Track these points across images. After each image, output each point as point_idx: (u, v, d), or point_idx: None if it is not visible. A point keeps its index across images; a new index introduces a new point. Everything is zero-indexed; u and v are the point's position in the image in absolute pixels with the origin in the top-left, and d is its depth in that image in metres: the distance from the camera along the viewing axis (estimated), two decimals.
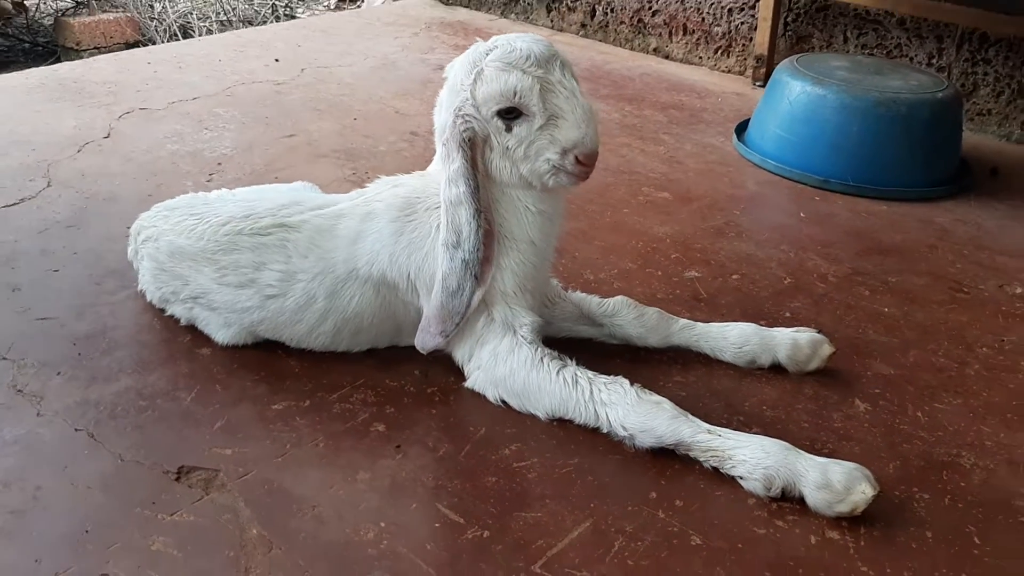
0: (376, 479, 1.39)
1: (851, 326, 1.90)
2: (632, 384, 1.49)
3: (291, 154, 2.48)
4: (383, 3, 7.18)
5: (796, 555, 1.32)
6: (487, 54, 1.50)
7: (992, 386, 1.75)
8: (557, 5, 3.84)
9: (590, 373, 1.52)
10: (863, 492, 1.36)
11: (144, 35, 6.47)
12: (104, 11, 7.21)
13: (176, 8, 8.02)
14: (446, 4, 4.13)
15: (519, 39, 1.50)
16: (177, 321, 1.70)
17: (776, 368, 1.72)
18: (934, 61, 3.07)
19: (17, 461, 1.37)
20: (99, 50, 5.43)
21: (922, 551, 1.34)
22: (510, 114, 1.47)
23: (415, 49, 3.44)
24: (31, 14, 7.12)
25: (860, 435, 1.58)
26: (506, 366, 1.55)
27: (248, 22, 6.66)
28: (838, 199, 2.50)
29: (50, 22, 6.91)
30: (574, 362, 1.54)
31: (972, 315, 1.99)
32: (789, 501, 1.40)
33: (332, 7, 7.71)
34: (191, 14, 7.73)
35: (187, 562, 1.23)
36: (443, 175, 1.53)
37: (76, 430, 1.44)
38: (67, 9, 7.30)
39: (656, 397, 1.48)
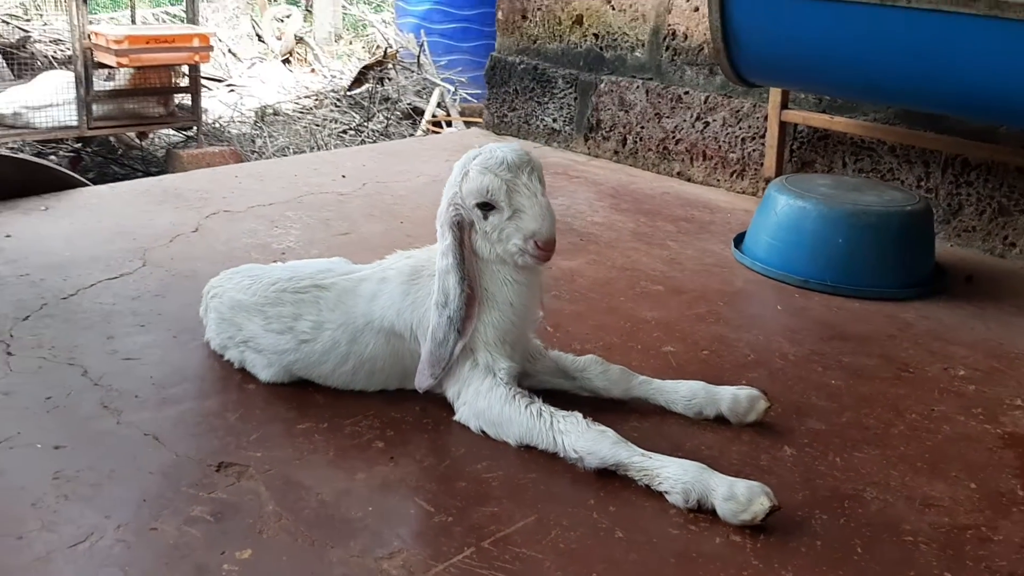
0: (370, 479, 1.76)
1: (797, 393, 2.22)
2: (584, 417, 1.85)
3: (343, 247, 2.94)
4: (454, 131, 7.85)
5: (700, 550, 1.62)
6: (474, 159, 1.93)
7: (911, 442, 2.03)
8: (593, 135, 4.33)
9: (552, 408, 1.88)
10: (762, 504, 1.67)
11: None
12: (211, 144, 8.07)
13: (275, 143, 8.88)
14: (498, 134, 4.67)
15: (499, 148, 1.93)
16: (232, 364, 2.12)
17: (721, 420, 2.04)
18: (923, 183, 3.41)
19: (96, 453, 1.79)
20: (177, 175, 6.14)
21: (809, 554, 1.63)
22: (486, 207, 1.89)
23: None
24: (146, 144, 8.02)
25: (780, 472, 1.88)
26: (485, 401, 1.92)
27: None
28: (815, 296, 2.83)
29: (162, 153, 7.77)
30: (540, 400, 1.90)
31: (911, 390, 2.28)
32: (705, 514, 1.71)
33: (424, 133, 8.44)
34: (288, 148, 8.56)
35: (216, 524, 1.60)
36: (438, 249, 1.96)
37: (145, 434, 1.85)
38: (178, 142, 8.19)
39: (602, 427, 1.83)
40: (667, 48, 4.03)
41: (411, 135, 8.93)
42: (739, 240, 3.22)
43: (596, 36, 4.28)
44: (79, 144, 7.53)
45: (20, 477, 1.71)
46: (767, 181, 3.72)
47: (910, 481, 1.88)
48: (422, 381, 1.97)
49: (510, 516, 1.68)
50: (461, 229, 1.94)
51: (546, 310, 2.44)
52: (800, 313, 2.72)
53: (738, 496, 1.68)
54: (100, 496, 1.66)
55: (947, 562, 1.63)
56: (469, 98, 9.18)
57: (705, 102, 3.92)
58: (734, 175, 3.89)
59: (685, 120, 3.99)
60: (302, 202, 3.40)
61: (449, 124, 8.99)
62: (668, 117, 4.05)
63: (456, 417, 1.97)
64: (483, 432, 1.92)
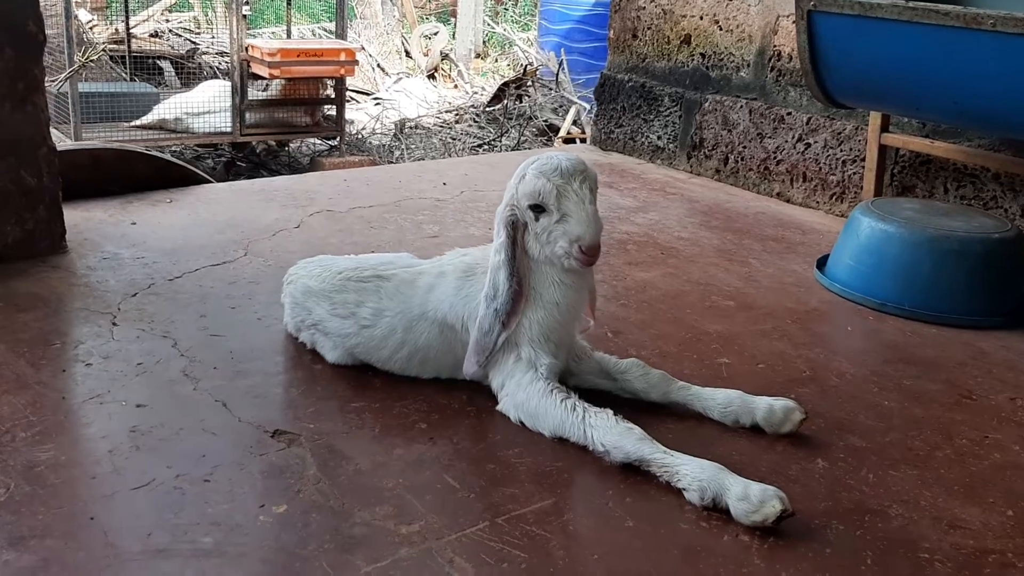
0: (407, 455, 1.90)
1: (845, 411, 2.22)
2: (615, 414, 1.93)
3: (428, 248, 3.10)
4: (564, 140, 7.95)
5: (706, 545, 1.68)
6: (533, 163, 2.05)
7: (954, 466, 2.01)
8: (696, 153, 4.37)
9: (586, 404, 1.97)
10: (773, 507, 1.71)
11: None
12: (352, 154, 8.49)
13: (412, 155, 9.24)
14: (604, 150, 4.76)
15: (557, 156, 2.04)
16: (304, 345, 2.31)
17: (757, 429, 2.08)
18: None
19: (171, 413, 2.00)
20: (289, 177, 6.48)
21: (815, 561, 1.66)
22: (537, 208, 2.00)
23: None
24: (293, 151, 8.51)
25: (807, 482, 1.91)
26: (525, 393, 2.03)
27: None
28: (890, 319, 2.80)
29: (307, 161, 8.24)
30: (576, 396, 2.00)
31: (968, 416, 2.24)
32: (719, 513, 1.77)
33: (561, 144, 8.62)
34: (424, 159, 8.89)
35: (262, 481, 1.77)
36: (493, 246, 2.08)
37: (215, 400, 2.05)
38: (323, 151, 8.66)
39: (630, 424, 1.91)
40: (772, 69, 4.05)
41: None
42: (823, 262, 3.21)
43: (703, 56, 4.33)
44: (232, 150, 8.08)
45: (103, 427, 1.94)
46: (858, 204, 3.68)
47: (942, 503, 1.87)
48: (468, 367, 2.10)
49: (528, 498, 1.78)
50: (515, 228, 2.06)
51: (603, 317, 2.54)
52: (870, 335, 2.71)
53: (751, 497, 1.73)
54: (166, 449, 1.86)
55: None
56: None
57: (807, 123, 3.91)
58: (833, 198, 3.86)
59: (787, 141, 3.99)
60: (400, 206, 3.60)
61: (584, 141, 9.13)
62: (770, 137, 4.05)
63: (499, 407, 2.08)
64: (521, 422, 2.03)
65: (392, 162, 8.69)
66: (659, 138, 4.53)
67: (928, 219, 2.94)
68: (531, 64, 11.39)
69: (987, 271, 2.83)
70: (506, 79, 11.00)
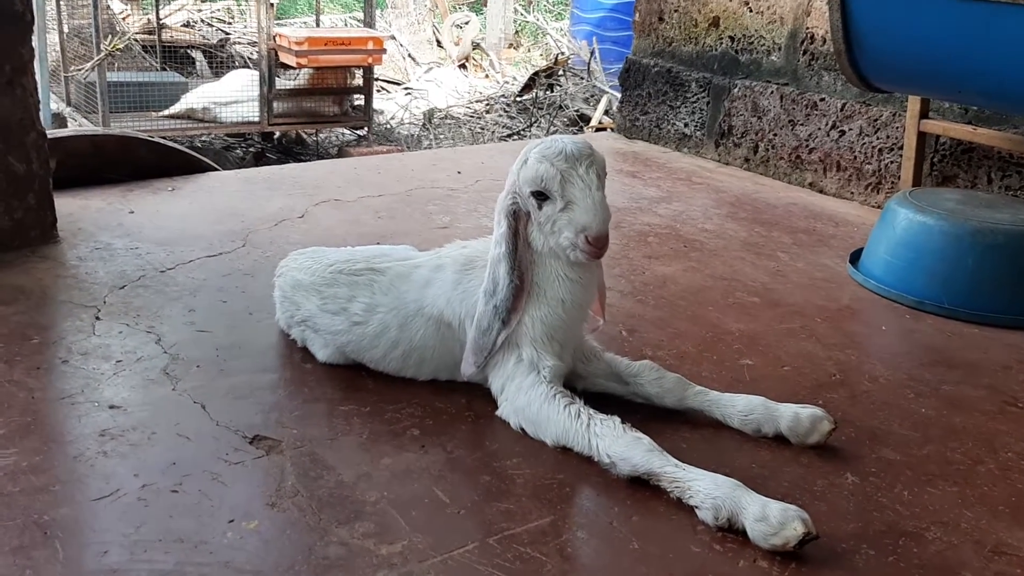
0: (395, 465, 1.74)
1: (878, 419, 2.04)
2: (623, 422, 1.76)
3: (436, 239, 2.93)
4: (595, 130, 7.76)
5: (718, 571, 1.51)
6: (536, 147, 1.89)
7: (999, 483, 1.83)
8: (724, 141, 4.17)
9: (591, 410, 1.81)
10: (795, 529, 1.53)
11: None
12: (380, 144, 8.37)
13: (440, 144, 9.10)
14: (629, 138, 4.58)
15: (562, 139, 1.88)
16: (295, 342, 2.16)
17: (780, 439, 1.90)
18: None
19: (145, 415, 1.86)
20: (298, 165, 6.39)
21: None
22: (540, 196, 1.84)
23: None
24: (320, 139, 8.40)
25: (834, 499, 1.73)
26: (526, 398, 1.86)
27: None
28: (928, 319, 2.60)
29: (335, 151, 8.12)
30: (581, 401, 1.83)
31: (1014, 426, 2.05)
32: (735, 534, 1.60)
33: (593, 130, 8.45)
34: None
35: (233, 494, 1.63)
36: (493, 238, 1.92)
37: (194, 402, 1.91)
38: (351, 140, 8.54)
39: (639, 434, 1.74)
40: (804, 52, 3.84)
41: None
42: (856, 256, 3.01)
43: (732, 39, 4.13)
44: (262, 139, 7.99)
45: (71, 431, 1.81)
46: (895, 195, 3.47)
47: (985, 525, 1.68)
48: (465, 368, 1.95)
49: (525, 515, 1.62)
50: (517, 219, 1.90)
51: (617, 314, 2.37)
52: (907, 335, 2.51)
53: (770, 518, 1.55)
54: (135, 455, 1.73)
55: None
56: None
57: (842, 110, 3.70)
58: (869, 188, 3.65)
59: (820, 128, 3.78)
60: (411, 195, 3.45)
61: (615, 131, 8.95)
62: (802, 124, 3.85)
63: (498, 412, 1.92)
64: (522, 429, 1.87)
65: (420, 151, 8.56)
66: (686, 125, 4.34)
67: (971, 211, 2.73)
68: (563, 53, 11.21)
69: None
70: (537, 68, 10.83)
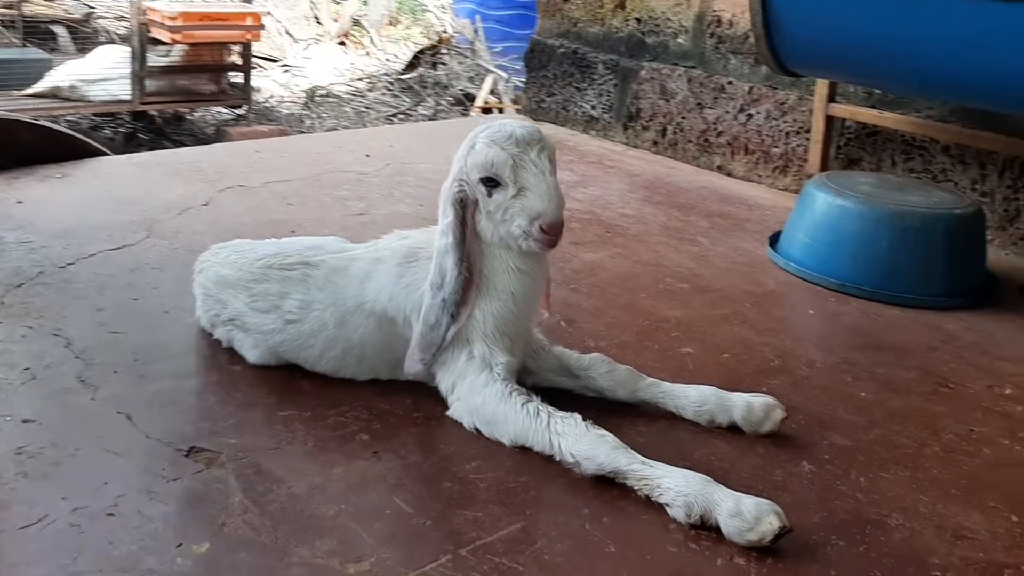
0: (348, 474, 1.64)
1: (822, 404, 2.05)
2: (584, 419, 1.71)
3: (357, 228, 2.82)
4: (482, 110, 7.68)
5: (699, 571, 1.48)
6: (483, 131, 1.80)
7: (946, 465, 1.85)
8: (632, 124, 4.17)
9: (550, 408, 1.74)
10: (770, 524, 1.51)
11: None
12: (260, 123, 8.06)
13: (324, 124, 8.83)
14: (535, 120, 4.52)
15: (509, 123, 1.80)
16: (220, 343, 2.01)
17: (734, 429, 1.89)
18: (977, 187, 3.20)
19: (65, 429, 1.69)
20: (195, 148, 6.13)
21: None
22: (490, 182, 1.76)
23: None
24: (195, 120, 8.02)
25: (796, 489, 1.72)
26: (480, 397, 1.78)
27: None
28: (852, 301, 2.65)
29: (212, 131, 7.77)
30: (538, 398, 1.76)
31: (950, 407, 2.09)
32: (708, 531, 1.56)
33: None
34: (337, 128, 8.50)
35: (177, 514, 1.49)
36: (438, 228, 1.83)
37: (118, 412, 1.75)
38: (229, 120, 8.18)
39: (602, 431, 1.68)
40: (711, 35, 3.85)
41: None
42: (775, 239, 3.04)
43: (638, 20, 4.11)
44: (133, 119, 7.56)
45: None
46: (809, 177, 3.53)
47: (942, 509, 1.70)
48: (411, 366, 1.85)
49: (494, 522, 1.54)
50: (464, 207, 1.81)
51: (554, 303, 2.31)
52: (833, 319, 2.55)
53: (745, 513, 1.53)
54: (60, 475, 1.56)
55: None
56: (523, 85, 9.03)
57: (749, 93, 3.74)
58: (777, 171, 3.71)
59: (728, 111, 3.81)
60: (320, 180, 3.29)
61: (501, 111, 8.86)
62: (710, 108, 3.87)
63: (449, 412, 1.83)
64: (477, 430, 1.79)
65: (303, 132, 8.29)
66: (593, 108, 4.31)
67: (886, 194, 2.79)
68: (445, 31, 11.06)
69: (949, 249, 2.70)
70: (421, 47, 10.66)
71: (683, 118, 3.98)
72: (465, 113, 9.19)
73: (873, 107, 3.40)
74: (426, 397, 1.89)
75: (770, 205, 3.48)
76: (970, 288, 2.74)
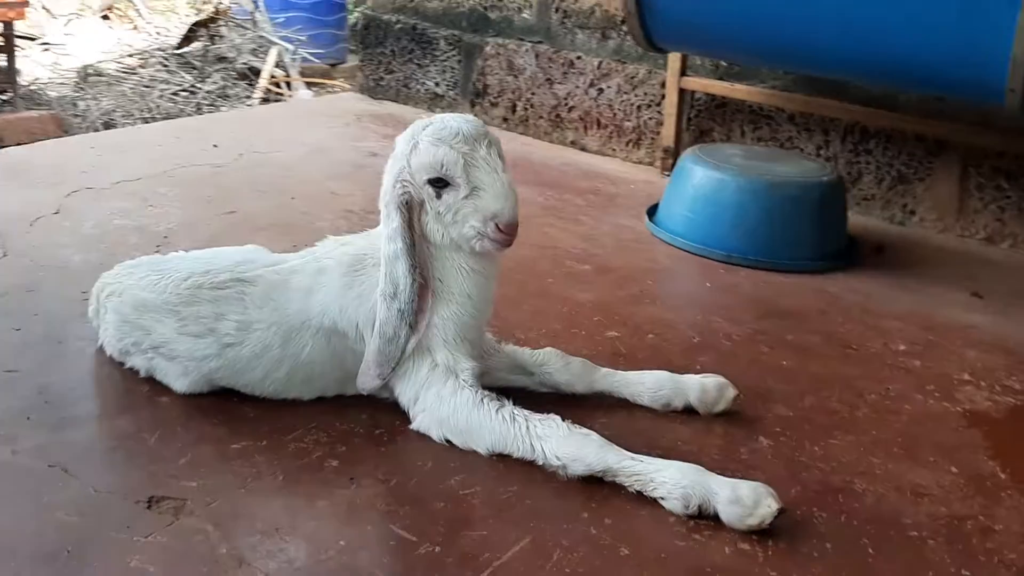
0: (334, 506, 1.52)
1: (753, 377, 2.11)
2: (563, 420, 1.67)
3: (233, 229, 2.62)
4: (312, 97, 7.39)
5: (713, 563, 1.49)
6: (424, 129, 1.71)
7: (879, 426, 1.97)
8: (480, 101, 4.12)
9: (526, 411, 1.69)
10: (768, 506, 1.54)
11: (68, 132, 6.52)
12: (28, 108, 7.31)
13: (100, 106, 8.14)
14: (375, 99, 4.37)
15: (452, 118, 1.71)
16: (136, 372, 1.81)
17: (689, 411, 1.91)
18: (822, 152, 3.41)
19: None
20: (21, 146, 5.56)
21: (823, 560, 1.52)
22: (439, 183, 1.67)
23: (347, 137, 3.65)
24: None
25: (764, 465, 1.77)
26: (449, 407, 1.70)
27: (170, 119, 6.79)
28: (740, 271, 2.75)
29: None
30: (511, 402, 1.71)
31: (861, 369, 2.22)
32: (704, 519, 1.57)
33: (258, 102, 7.93)
34: (115, 111, 7.86)
35: None
36: (383, 233, 1.72)
37: (50, 466, 1.54)
38: None
39: (585, 430, 1.66)
40: (556, 10, 3.86)
41: (248, 97, 8.44)
42: (652, 212, 3.10)
43: None
44: None
45: None
46: (665, 151, 3.63)
47: (893, 469, 1.81)
48: (367, 382, 1.74)
49: (502, 539, 1.48)
50: (410, 210, 1.71)
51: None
52: (730, 290, 2.64)
53: (743, 499, 1.55)
54: (4, 550, 1.35)
55: (960, 558, 1.55)
56: (310, 58, 8.71)
57: (599, 68, 3.78)
58: (630, 144, 3.78)
59: (578, 86, 3.84)
60: (174, 176, 3.03)
61: (289, 85, 8.52)
62: (560, 83, 3.88)
63: (414, 426, 1.74)
64: (447, 441, 1.71)
65: (78, 116, 7.63)
66: (437, 85, 4.21)
67: (760, 165, 2.91)
68: (221, 2, 10.48)
69: (821, 215, 2.86)
70: (196, 19, 10.04)
71: (533, 94, 3.97)
72: (251, 86, 8.77)
73: (721, 79, 3.53)
74: (382, 411, 1.79)
75: (632, 179, 3.55)
76: (838, 251, 2.92)
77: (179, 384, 1.77)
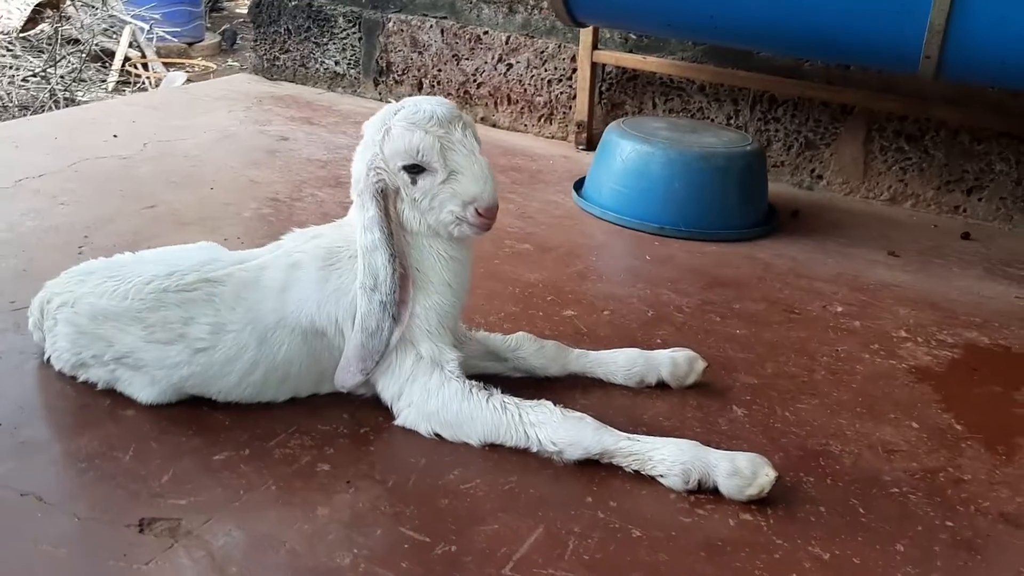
0: (336, 512, 1.46)
1: (712, 347, 2.15)
2: (555, 404, 1.65)
3: (156, 224, 2.48)
4: (183, 84, 7.07)
5: (722, 536, 1.51)
6: (395, 113, 1.65)
7: (838, 387, 2.03)
8: (384, 79, 4.02)
9: (516, 399, 1.67)
10: (767, 475, 1.57)
11: None
12: None
13: None
14: (271, 80, 4.21)
15: (425, 101, 1.65)
16: (93, 386, 1.69)
17: (661, 385, 1.93)
18: (732, 121, 3.48)
19: None
20: None
21: (820, 523, 1.56)
22: (414, 169, 1.62)
23: (252, 122, 3.50)
24: None
25: (744, 435, 1.81)
26: (438, 400, 1.66)
27: (26, 107, 6.39)
28: (674, 243, 2.79)
29: None
30: (499, 391, 1.68)
31: (808, 332, 2.29)
32: (703, 493, 1.59)
33: (110, 91, 7.52)
34: None
35: None
36: (359, 223, 1.65)
37: (22, 495, 1.42)
38: None
39: (578, 413, 1.65)
40: None
41: (103, 80, 8.02)
42: (577, 187, 3.11)
43: None
44: None
45: None
46: (579, 125, 3.64)
47: (861, 428, 1.87)
48: (347, 379, 1.68)
49: (515, 532, 1.46)
50: (386, 197, 1.65)
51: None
52: (668, 262, 2.67)
53: (742, 471, 1.58)
54: None
55: (941, 510, 1.62)
56: (168, 37, 8.33)
57: (507, 43, 3.75)
58: (542, 120, 3.77)
59: (487, 62, 3.80)
60: (79, 171, 2.84)
61: (146, 67, 8.13)
62: (468, 59, 3.83)
63: (399, 421, 1.69)
64: (437, 435, 1.67)
65: None
66: (337, 64, 4.08)
67: (685, 137, 2.95)
68: None
69: (748, 183, 2.92)
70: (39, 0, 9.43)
71: (439, 71, 3.90)
72: (106, 68, 8.32)
73: (631, 52, 3.55)
74: (361, 409, 1.73)
75: (549, 154, 3.54)
76: (762, 217, 2.99)
77: (145, 394, 1.66)
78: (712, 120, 3.50)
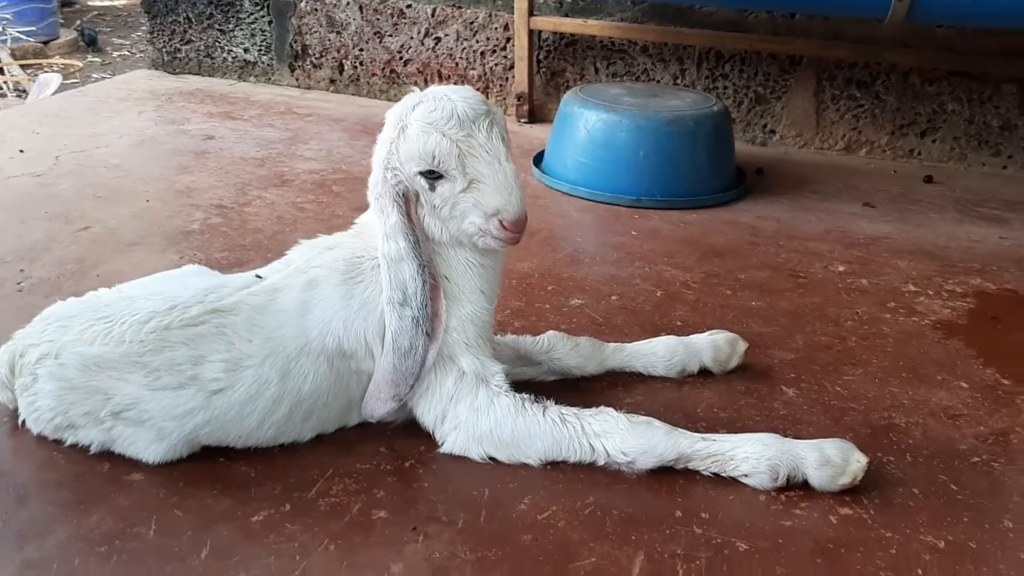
0: (412, 567, 1.27)
1: (734, 323, 2.03)
2: (618, 410, 1.49)
3: (97, 248, 2.19)
4: (53, 93, 6.51)
5: (829, 537, 1.38)
6: (413, 109, 1.44)
7: (875, 353, 1.94)
8: (300, 64, 3.73)
9: (573, 409, 1.50)
10: (858, 461, 1.46)
11: None
12: None
13: None
14: (174, 74, 3.86)
15: (446, 95, 1.44)
16: (85, 449, 1.44)
17: (702, 372, 1.79)
18: (679, 80, 3.36)
19: None
20: None
21: (921, 507, 1.46)
22: (432, 175, 1.42)
23: (168, 122, 3.18)
24: None
25: (805, 417, 1.69)
26: (489, 419, 1.47)
27: None
28: (653, 214, 2.66)
29: None
30: (552, 402, 1.51)
31: (821, 296, 2.19)
32: (790, 489, 1.46)
33: None
34: None
35: None
36: (380, 230, 1.45)
37: None
38: None
39: (645, 418, 1.49)
40: None
41: None
42: (536, 161, 2.94)
43: None
44: None
45: None
46: (519, 97, 3.46)
47: (915, 395, 1.78)
48: (378, 407, 1.48)
49: (616, 563, 1.30)
50: (407, 201, 1.45)
51: None
52: (656, 235, 2.53)
53: (833, 459, 1.46)
54: None
55: None
56: (22, 37, 7.73)
57: (433, 15, 3.52)
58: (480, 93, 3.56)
59: (412, 38, 3.56)
60: None
61: (2, 71, 7.53)
62: (391, 36, 3.59)
63: (446, 448, 1.50)
64: (491, 458, 1.49)
65: None
66: (247, 51, 3.77)
67: (649, 102, 2.81)
68: None
69: (716, 145, 2.81)
70: None
71: (361, 50, 3.64)
72: None
73: (567, 15, 3.39)
74: (395, 438, 1.54)
75: None
76: (732, 179, 2.89)
77: (151, 452, 1.41)
78: (658, 82, 3.38)
